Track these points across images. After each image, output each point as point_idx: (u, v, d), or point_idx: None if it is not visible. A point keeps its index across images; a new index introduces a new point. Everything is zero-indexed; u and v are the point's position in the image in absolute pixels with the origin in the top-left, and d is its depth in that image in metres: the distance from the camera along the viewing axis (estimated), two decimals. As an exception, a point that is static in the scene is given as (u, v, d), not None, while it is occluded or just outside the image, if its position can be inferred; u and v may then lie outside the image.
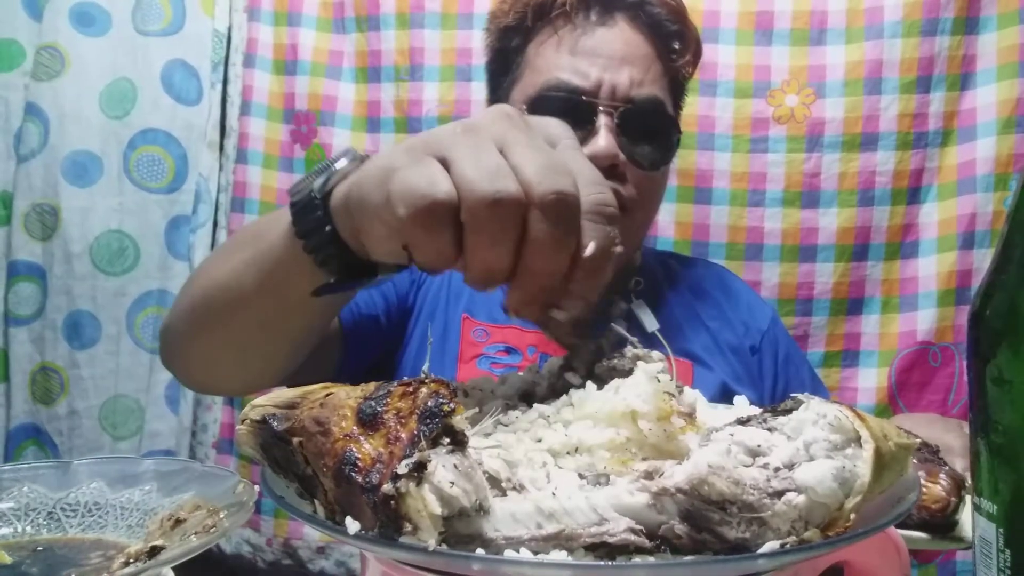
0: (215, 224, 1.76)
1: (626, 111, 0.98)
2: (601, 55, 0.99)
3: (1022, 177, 0.41)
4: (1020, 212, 0.41)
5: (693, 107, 1.53)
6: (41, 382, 1.58)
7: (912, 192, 1.53)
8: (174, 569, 0.49)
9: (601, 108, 0.97)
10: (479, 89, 1.64)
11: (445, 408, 0.40)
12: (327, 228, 0.59)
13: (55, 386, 1.58)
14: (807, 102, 1.55)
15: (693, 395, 0.48)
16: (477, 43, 1.66)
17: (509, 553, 0.39)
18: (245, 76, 1.75)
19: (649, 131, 1.00)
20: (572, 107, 0.97)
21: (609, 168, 0.95)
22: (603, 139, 0.96)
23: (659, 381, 0.45)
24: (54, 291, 1.58)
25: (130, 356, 1.66)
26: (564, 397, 0.48)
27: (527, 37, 1.05)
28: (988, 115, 1.49)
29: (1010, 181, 1.48)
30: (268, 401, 0.48)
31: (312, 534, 1.66)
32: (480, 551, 0.39)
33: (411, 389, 0.42)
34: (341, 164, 0.60)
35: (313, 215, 0.60)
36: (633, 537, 0.39)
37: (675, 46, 1.06)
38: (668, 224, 1.58)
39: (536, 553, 0.39)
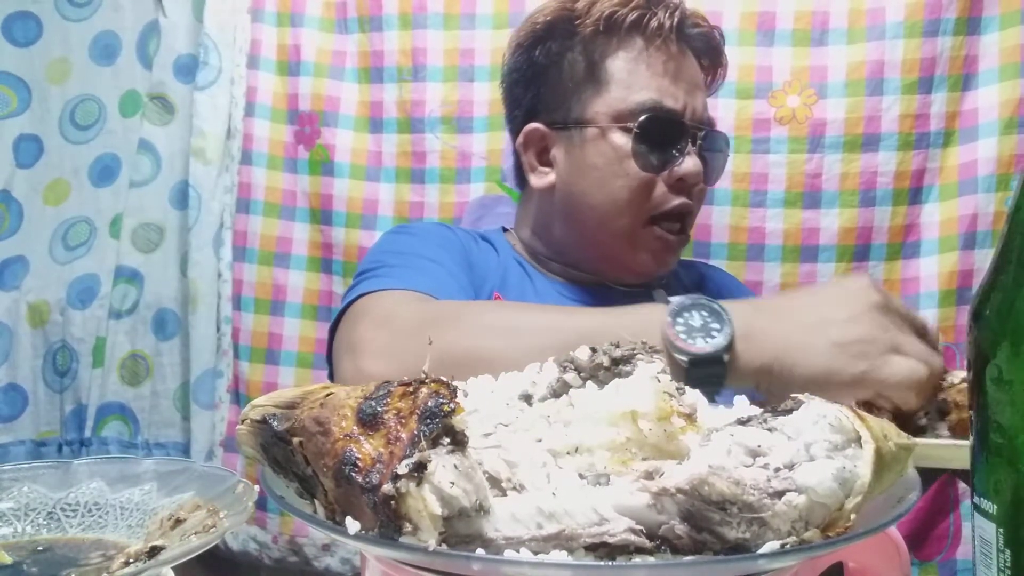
0: (220, 225, 1.77)
1: (707, 134, 1.06)
2: (684, 79, 1.06)
3: (1022, 178, 0.41)
4: (1020, 212, 0.41)
5: (695, 108, 1.53)
6: (131, 366, 1.84)
7: (914, 192, 1.53)
8: (174, 569, 0.49)
9: (689, 131, 1.04)
10: (481, 89, 1.64)
11: (445, 408, 0.40)
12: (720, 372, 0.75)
13: (142, 370, 1.84)
14: (809, 103, 1.54)
15: (693, 395, 0.48)
16: (480, 43, 1.66)
17: (509, 553, 0.39)
18: (249, 77, 1.74)
19: (715, 150, 1.09)
20: (672, 130, 1.04)
21: (691, 186, 1.05)
22: (692, 161, 1.04)
23: (659, 381, 0.45)
24: (148, 292, 1.84)
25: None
26: (564, 397, 0.48)
27: (605, 50, 1.07)
28: (990, 116, 1.48)
29: (1011, 181, 1.47)
30: (268, 401, 0.48)
31: (317, 532, 1.66)
32: (480, 551, 0.39)
33: (411, 389, 0.42)
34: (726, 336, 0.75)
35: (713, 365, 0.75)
36: (633, 537, 0.39)
37: (712, 77, 1.15)
38: (670, 225, 1.58)
39: (536, 553, 0.39)
